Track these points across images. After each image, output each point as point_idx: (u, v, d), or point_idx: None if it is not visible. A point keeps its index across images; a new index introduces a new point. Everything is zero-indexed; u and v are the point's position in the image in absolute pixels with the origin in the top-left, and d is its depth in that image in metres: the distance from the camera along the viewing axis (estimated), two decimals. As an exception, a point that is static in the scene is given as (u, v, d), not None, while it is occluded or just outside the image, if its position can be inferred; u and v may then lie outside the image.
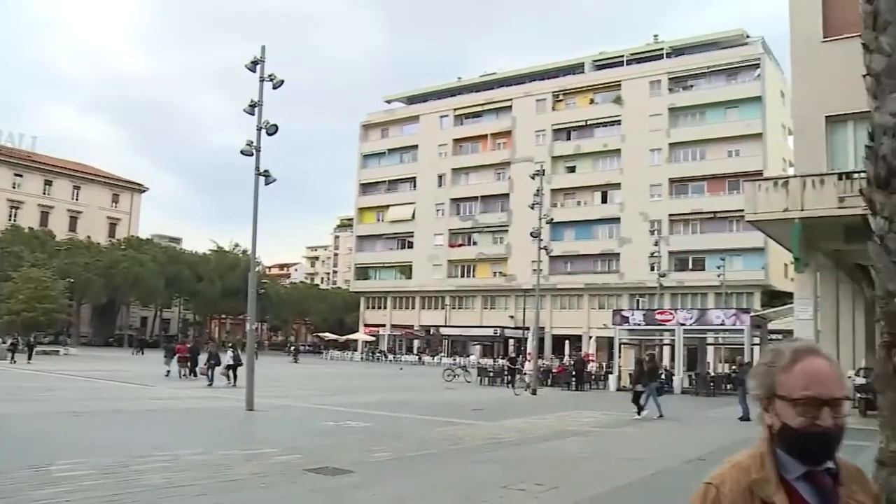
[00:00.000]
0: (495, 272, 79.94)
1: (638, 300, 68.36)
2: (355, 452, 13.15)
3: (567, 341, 62.90)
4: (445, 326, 79.94)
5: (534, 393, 33.10)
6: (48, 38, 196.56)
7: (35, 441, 13.44)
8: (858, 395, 24.65)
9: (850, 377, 25.70)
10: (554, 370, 41.91)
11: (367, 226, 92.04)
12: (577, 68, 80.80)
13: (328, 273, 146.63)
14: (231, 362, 30.11)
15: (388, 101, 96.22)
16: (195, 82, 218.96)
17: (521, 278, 70.51)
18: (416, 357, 75.73)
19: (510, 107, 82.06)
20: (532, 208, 37.18)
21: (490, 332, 74.58)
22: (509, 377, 37.74)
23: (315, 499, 9.55)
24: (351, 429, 17.34)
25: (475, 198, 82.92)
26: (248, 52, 24.73)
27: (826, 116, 22.41)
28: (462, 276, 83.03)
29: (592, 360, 46.46)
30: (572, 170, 77.37)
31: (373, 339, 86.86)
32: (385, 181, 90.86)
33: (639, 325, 40.26)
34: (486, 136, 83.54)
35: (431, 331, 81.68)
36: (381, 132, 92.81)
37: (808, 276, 23.08)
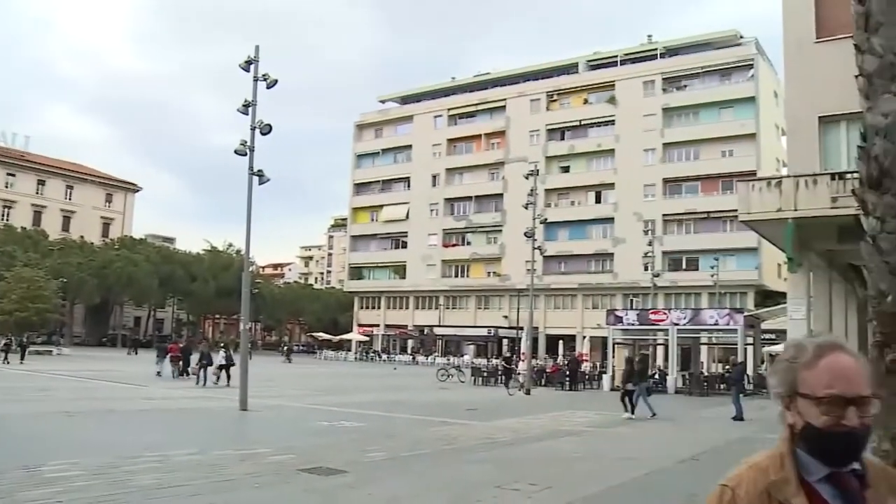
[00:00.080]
0: (489, 272, 79.95)
1: (632, 300, 68.44)
2: (349, 452, 13.14)
3: (561, 341, 63.06)
4: (439, 326, 79.98)
5: (528, 393, 33.13)
6: (45, 38, 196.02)
7: (28, 441, 13.39)
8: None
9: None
10: (548, 370, 41.96)
11: (361, 226, 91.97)
12: (571, 68, 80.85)
13: (322, 273, 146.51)
14: (223, 362, 30.07)
15: (382, 101, 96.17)
16: (190, 82, 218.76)
17: (515, 278, 70.58)
18: (410, 357, 75.74)
19: (504, 107, 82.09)
20: (526, 208, 37.20)
21: (484, 332, 74.65)
22: (504, 377, 37.72)
23: (309, 499, 9.54)
24: (345, 429, 17.33)
25: (469, 198, 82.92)
26: (243, 51, 24.67)
27: (819, 117, 22.45)
28: (456, 276, 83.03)
29: (586, 360, 46.58)
30: (566, 170, 77.43)
31: (367, 338, 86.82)
32: (379, 181, 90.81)
33: (632, 324, 40.34)
34: (480, 136, 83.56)
35: (425, 331, 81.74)
36: (375, 132, 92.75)
37: (801, 276, 23.12)
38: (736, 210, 24.09)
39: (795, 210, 21.13)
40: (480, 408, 24.64)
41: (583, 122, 77.20)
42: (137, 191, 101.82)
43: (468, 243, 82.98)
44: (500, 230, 78.70)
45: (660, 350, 45.27)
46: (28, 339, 50.59)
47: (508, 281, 74.30)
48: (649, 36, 79.33)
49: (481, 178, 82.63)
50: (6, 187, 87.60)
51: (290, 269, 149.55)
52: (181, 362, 34.01)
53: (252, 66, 21.70)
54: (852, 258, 21.90)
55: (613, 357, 39.36)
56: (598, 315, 59.12)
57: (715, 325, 38.32)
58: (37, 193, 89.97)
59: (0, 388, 25.12)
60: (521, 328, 52.36)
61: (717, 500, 1.84)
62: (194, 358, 32.43)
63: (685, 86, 72.58)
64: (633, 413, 22.46)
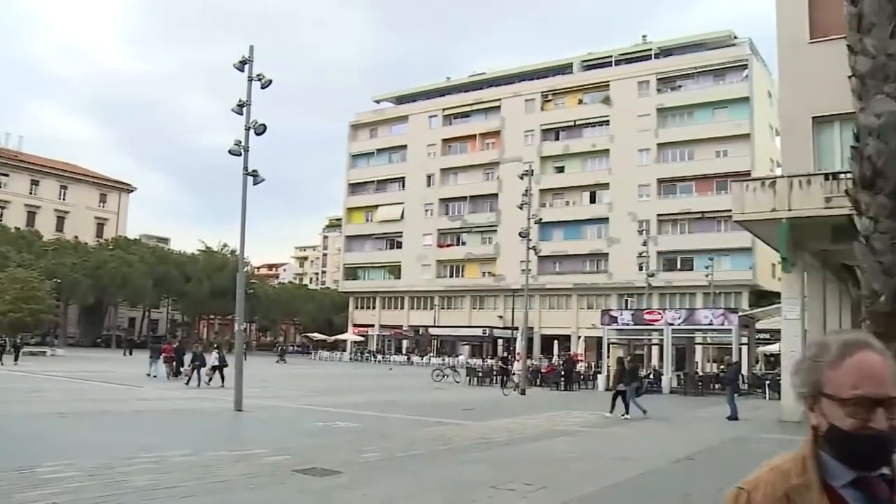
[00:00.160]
0: (484, 272, 79.97)
1: (626, 300, 68.53)
2: (344, 453, 13.13)
3: (556, 341, 62.99)
4: (434, 326, 79.92)
5: (523, 393, 33.13)
6: (36, 36, 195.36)
7: (22, 443, 13.35)
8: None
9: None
10: (543, 370, 41.97)
11: (356, 226, 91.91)
12: (565, 68, 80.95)
13: (317, 273, 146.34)
14: (216, 363, 30.01)
15: (377, 101, 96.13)
16: (185, 82, 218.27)
17: (509, 278, 70.55)
18: (405, 357, 75.66)
19: (499, 107, 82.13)
20: (521, 208, 37.22)
21: (479, 332, 74.59)
22: (501, 377, 37.57)
23: (304, 500, 9.53)
24: (340, 429, 17.31)
25: (464, 198, 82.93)
26: (238, 51, 24.68)
27: (813, 117, 22.53)
28: (451, 276, 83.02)
29: (581, 360, 46.58)
30: (561, 170, 77.50)
31: (362, 339, 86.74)
32: (374, 181, 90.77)
33: (627, 325, 40.38)
34: (474, 136, 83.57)
35: (420, 331, 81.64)
36: (369, 132, 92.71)
37: (795, 276, 23.19)
38: (730, 210, 24.13)
39: (789, 210, 21.19)
40: (475, 408, 24.64)
41: (577, 123, 77.27)
42: (132, 191, 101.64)
43: (463, 243, 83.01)
44: (495, 230, 78.73)
45: (654, 350, 45.33)
46: (22, 339, 50.36)
47: (503, 281, 74.30)
48: (644, 36, 79.54)
49: (476, 179, 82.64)
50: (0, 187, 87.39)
51: (284, 270, 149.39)
52: (175, 363, 33.94)
53: (246, 66, 21.66)
54: (846, 258, 21.97)
55: (608, 357, 39.41)
56: (592, 315, 59.26)
57: (709, 325, 38.38)
58: (30, 194, 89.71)
59: (-6, 390, 25.07)
60: (516, 328, 52.38)
61: (732, 503, 1.74)
62: (188, 359, 32.36)
63: (679, 86, 72.71)
64: (628, 413, 22.48)
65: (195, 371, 30.18)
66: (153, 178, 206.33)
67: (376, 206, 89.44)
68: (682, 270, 67.43)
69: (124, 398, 24.21)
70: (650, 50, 76.53)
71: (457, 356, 68.56)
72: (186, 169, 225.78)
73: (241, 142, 21.62)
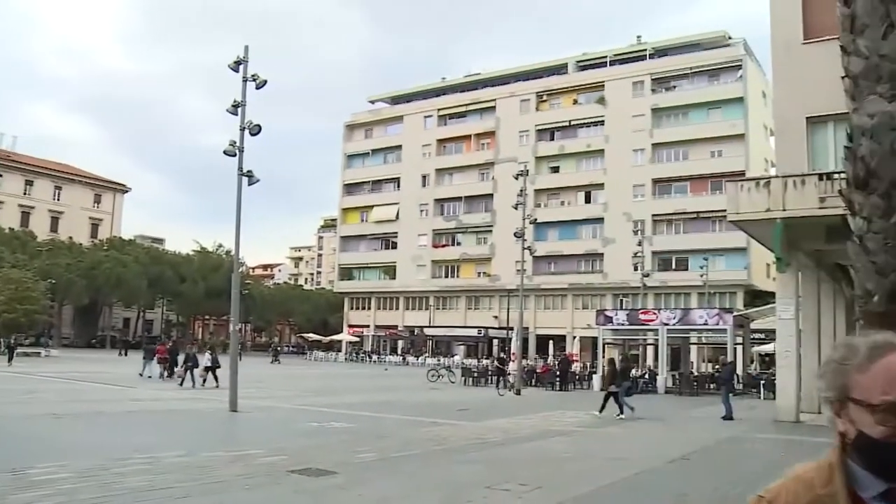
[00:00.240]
0: (479, 272, 79.98)
1: (621, 300, 68.59)
2: (339, 453, 13.13)
3: (551, 341, 63.11)
4: (429, 327, 79.94)
5: (518, 393, 33.14)
6: (30, 35, 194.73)
7: (15, 444, 13.31)
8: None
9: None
10: (538, 370, 42.01)
11: (351, 226, 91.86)
12: (560, 69, 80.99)
13: (312, 274, 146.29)
14: (209, 364, 29.98)
15: (372, 102, 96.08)
16: (185, 81, 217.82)
17: (504, 278, 70.63)
18: (401, 357, 75.63)
19: (494, 107, 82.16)
20: (516, 209, 37.23)
21: (474, 332, 74.61)
22: (497, 377, 37.45)
23: (299, 500, 9.53)
24: (335, 430, 17.30)
25: (459, 198, 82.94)
26: (233, 52, 24.58)
27: (807, 117, 22.59)
28: (446, 276, 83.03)
29: (576, 360, 46.63)
30: (556, 170, 77.56)
31: (357, 339, 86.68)
32: (369, 181, 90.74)
33: (622, 325, 40.45)
34: (469, 136, 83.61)
35: (415, 331, 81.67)
36: (365, 132, 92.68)
37: (789, 276, 23.25)
38: (725, 210, 24.19)
39: (784, 210, 21.24)
40: (471, 408, 24.65)
41: (572, 123, 77.33)
42: (126, 191, 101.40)
43: (458, 244, 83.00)
44: (490, 230, 78.74)
45: (650, 350, 45.40)
46: (16, 340, 50.24)
47: (498, 281, 74.37)
48: (638, 37, 79.70)
49: (471, 179, 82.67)
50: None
51: (279, 270, 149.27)
52: (168, 364, 33.89)
53: (241, 67, 21.62)
54: (840, 258, 22.02)
55: (604, 357, 39.46)
56: (588, 315, 59.20)
57: (704, 324, 38.47)
58: (24, 194, 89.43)
59: (-12, 391, 25.00)
60: (512, 328, 52.40)
61: None
62: (182, 359, 32.30)
63: (674, 86, 72.82)
64: (622, 413, 22.50)
65: (188, 372, 30.15)
66: (148, 179, 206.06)
67: (371, 207, 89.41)
68: (677, 270, 67.52)
69: (118, 399, 24.16)
70: (645, 50, 76.64)
71: (452, 356, 68.59)
72: (182, 169, 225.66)
73: (235, 142, 21.58)
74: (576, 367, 43.72)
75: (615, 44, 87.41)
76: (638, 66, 74.42)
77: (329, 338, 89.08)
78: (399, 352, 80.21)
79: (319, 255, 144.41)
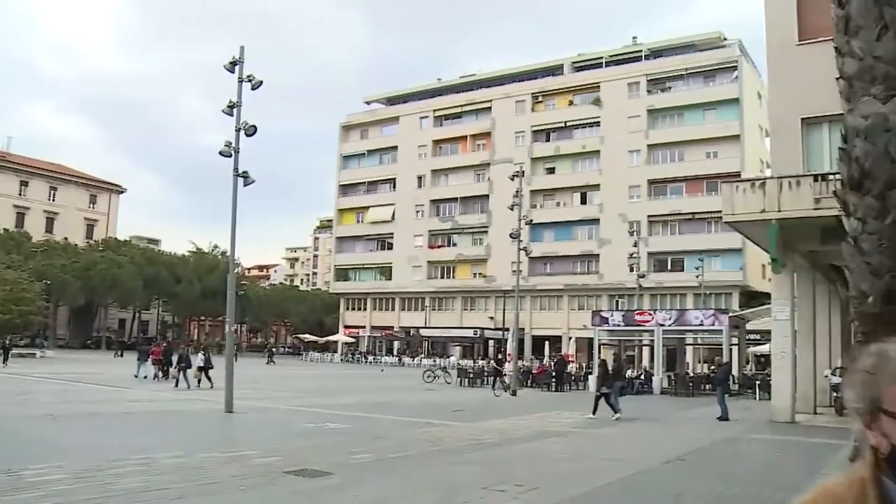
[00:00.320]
0: (475, 273, 79.99)
1: (617, 301, 68.61)
2: (335, 454, 13.12)
3: (547, 342, 63.10)
4: (425, 328, 79.95)
5: (514, 394, 33.15)
6: (26, 35, 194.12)
7: (11, 445, 13.29)
8: (835, 394, 24.97)
9: (826, 376, 26.03)
10: (534, 371, 42.02)
11: (347, 227, 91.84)
12: (556, 70, 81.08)
13: (308, 274, 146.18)
14: (202, 364, 29.95)
15: (368, 102, 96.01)
16: (176, 82, 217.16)
17: (500, 279, 70.63)
18: (397, 358, 75.61)
19: (490, 108, 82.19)
20: (511, 209, 37.25)
21: (470, 333, 74.65)
22: (494, 378, 37.34)
23: (295, 501, 9.52)
24: (331, 430, 17.29)
25: (455, 199, 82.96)
26: (230, 52, 24.55)
27: (802, 118, 22.65)
28: (442, 277, 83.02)
29: (572, 361, 46.67)
30: (552, 171, 77.62)
31: (353, 340, 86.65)
32: (365, 182, 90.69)
33: (618, 325, 40.48)
34: (465, 137, 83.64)
35: (411, 332, 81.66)
36: (360, 133, 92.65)
37: (785, 277, 23.29)
38: (720, 211, 24.21)
39: (779, 211, 21.28)
40: (467, 409, 24.66)
41: (568, 124, 77.37)
42: (122, 192, 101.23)
43: (454, 244, 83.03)
44: (486, 231, 78.77)
45: (645, 351, 45.45)
46: (11, 341, 50.07)
47: (494, 282, 74.39)
48: (634, 38, 79.83)
49: (467, 180, 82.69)
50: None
51: (275, 271, 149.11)
52: (163, 365, 33.83)
53: (237, 67, 21.59)
54: (835, 259, 22.06)
55: (599, 358, 39.48)
56: (583, 316, 59.35)
57: (700, 325, 38.53)
58: (19, 195, 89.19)
59: (-18, 392, 24.92)
60: (507, 329, 52.42)
61: None
62: (176, 360, 32.28)
63: (669, 87, 72.94)
64: (617, 413, 22.50)
65: (181, 373, 30.11)
66: (144, 179, 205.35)
67: (367, 208, 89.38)
68: (673, 271, 67.60)
69: (114, 400, 24.12)
70: (640, 51, 76.73)
71: (448, 357, 68.59)
72: (178, 169, 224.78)
73: (231, 143, 21.56)
74: (572, 367, 43.75)
75: (615, 44, 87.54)
76: (633, 68, 74.50)
77: (325, 339, 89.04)
78: (395, 353, 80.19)
79: (315, 256, 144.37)
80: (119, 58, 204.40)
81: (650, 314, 41.00)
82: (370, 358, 78.07)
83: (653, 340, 39.54)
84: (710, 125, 68.56)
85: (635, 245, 52.53)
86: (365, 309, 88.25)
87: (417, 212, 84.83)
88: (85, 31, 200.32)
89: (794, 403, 22.60)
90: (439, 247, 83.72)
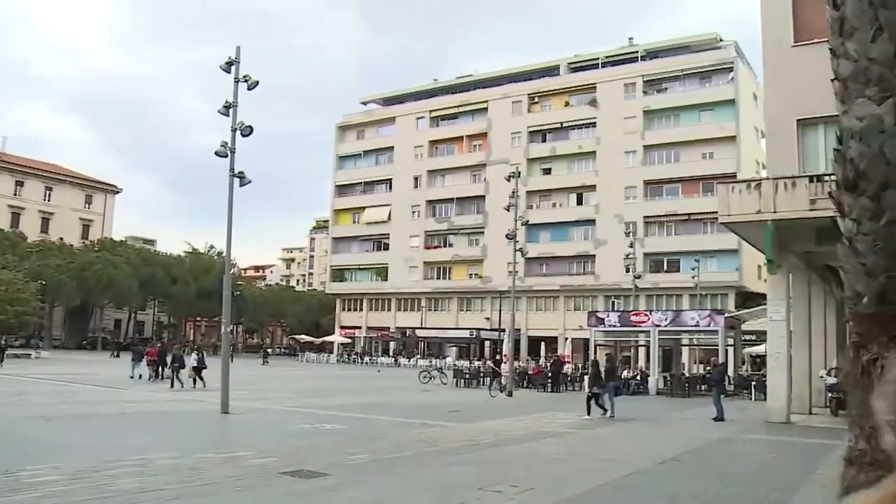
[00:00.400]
0: (471, 274, 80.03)
1: (613, 302, 68.72)
2: (331, 455, 13.11)
3: (543, 343, 63.07)
4: (421, 328, 79.92)
5: (510, 395, 33.16)
6: (20, 35, 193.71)
7: (5, 446, 13.25)
8: (830, 394, 25.05)
9: (821, 377, 26.09)
10: (530, 372, 42.03)
11: (343, 227, 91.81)
12: (552, 70, 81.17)
13: (304, 275, 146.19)
14: (195, 364, 29.93)
15: (364, 103, 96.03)
16: (172, 82, 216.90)
17: (496, 280, 70.63)
18: (393, 359, 75.57)
19: (486, 109, 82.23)
20: (507, 210, 37.27)
21: (466, 333, 74.63)
22: (491, 379, 37.30)
23: (291, 502, 9.51)
24: (326, 431, 17.28)
25: (451, 199, 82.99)
26: (226, 52, 24.51)
27: (798, 120, 22.70)
28: (438, 277, 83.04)
29: (568, 362, 46.67)
30: (548, 172, 77.68)
31: (349, 341, 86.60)
32: (361, 183, 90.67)
33: (614, 326, 40.55)
34: (461, 137, 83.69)
35: (407, 332, 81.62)
36: (357, 134, 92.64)
37: (780, 278, 23.35)
38: (716, 212, 24.25)
39: (775, 212, 21.32)
40: (463, 410, 24.67)
41: (564, 125, 77.46)
42: (117, 192, 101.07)
43: (450, 245, 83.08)
44: (482, 232, 78.79)
45: (641, 351, 45.49)
46: (6, 342, 49.98)
47: (490, 283, 74.41)
48: (630, 38, 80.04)
49: (463, 180, 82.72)
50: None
51: (271, 271, 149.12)
52: (158, 366, 33.79)
53: (233, 68, 21.57)
54: (830, 259, 22.13)
55: (592, 358, 39.50)
56: (579, 317, 59.43)
57: (696, 326, 38.61)
58: (14, 195, 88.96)
59: (-23, 392, 24.85)
60: (503, 330, 52.45)
61: None
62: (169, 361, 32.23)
63: (665, 88, 73.03)
64: (613, 414, 22.52)
65: (175, 374, 30.10)
66: (140, 179, 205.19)
67: (363, 208, 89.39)
68: (669, 272, 67.72)
69: (110, 401, 24.07)
70: (636, 52, 76.87)
71: (444, 358, 68.51)
72: (174, 169, 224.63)
73: (227, 143, 21.52)
74: (567, 368, 43.77)
75: (605, 45, 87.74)
76: (629, 68, 74.61)
77: (321, 339, 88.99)
78: (391, 353, 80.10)
79: (311, 257, 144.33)
80: (115, 58, 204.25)
81: (646, 315, 41.05)
82: (366, 359, 78.02)
83: (649, 341, 39.58)
84: (706, 126, 68.69)
85: (631, 246, 52.58)
86: (361, 309, 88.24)
87: (414, 212, 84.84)
88: (81, 31, 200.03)
89: (789, 404, 22.65)
90: (435, 247, 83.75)
